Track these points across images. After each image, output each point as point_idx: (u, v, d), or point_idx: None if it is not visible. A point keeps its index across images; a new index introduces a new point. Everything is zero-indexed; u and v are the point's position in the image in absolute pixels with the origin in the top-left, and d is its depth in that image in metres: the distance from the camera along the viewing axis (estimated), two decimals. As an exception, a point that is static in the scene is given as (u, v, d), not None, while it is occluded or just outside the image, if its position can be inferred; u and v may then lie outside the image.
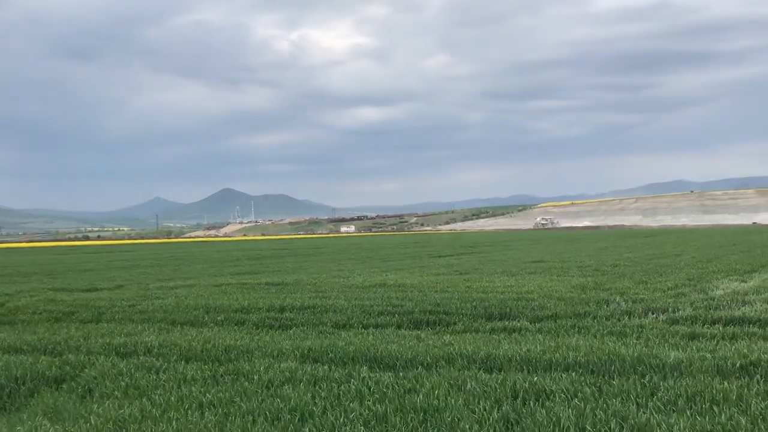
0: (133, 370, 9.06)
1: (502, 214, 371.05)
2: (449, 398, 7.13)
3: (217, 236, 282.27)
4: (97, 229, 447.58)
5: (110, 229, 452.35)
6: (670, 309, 14.15)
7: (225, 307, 16.15)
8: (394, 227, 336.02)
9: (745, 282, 20.02)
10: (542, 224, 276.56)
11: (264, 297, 18.63)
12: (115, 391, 8.08)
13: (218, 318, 14.59)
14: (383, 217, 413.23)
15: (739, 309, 13.85)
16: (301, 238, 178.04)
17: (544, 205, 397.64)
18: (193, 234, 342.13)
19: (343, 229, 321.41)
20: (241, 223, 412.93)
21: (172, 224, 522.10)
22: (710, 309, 13.94)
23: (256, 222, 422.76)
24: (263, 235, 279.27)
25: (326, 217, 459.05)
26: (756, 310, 13.46)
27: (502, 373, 8.24)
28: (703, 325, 12.12)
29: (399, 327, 12.88)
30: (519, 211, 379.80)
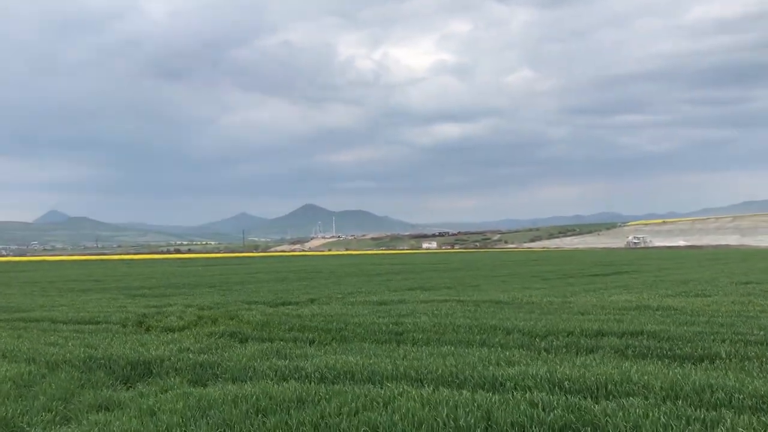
0: (671, 417, 6.69)
1: (590, 232, 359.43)
2: None
3: (302, 251, 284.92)
4: (186, 242, 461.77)
5: (199, 242, 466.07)
6: None
7: (527, 329, 13.86)
8: (477, 244, 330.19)
9: None
10: (634, 243, 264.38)
11: (537, 318, 16.29)
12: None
13: (555, 343, 12.25)
14: (465, 233, 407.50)
15: None
16: (409, 253, 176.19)
17: (633, 223, 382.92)
18: (278, 248, 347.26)
19: (425, 245, 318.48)
20: (323, 237, 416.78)
21: (256, 239, 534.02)
22: None
23: (338, 237, 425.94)
24: (347, 249, 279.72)
25: (407, 233, 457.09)
26: None
27: None
28: None
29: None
30: (607, 229, 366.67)
